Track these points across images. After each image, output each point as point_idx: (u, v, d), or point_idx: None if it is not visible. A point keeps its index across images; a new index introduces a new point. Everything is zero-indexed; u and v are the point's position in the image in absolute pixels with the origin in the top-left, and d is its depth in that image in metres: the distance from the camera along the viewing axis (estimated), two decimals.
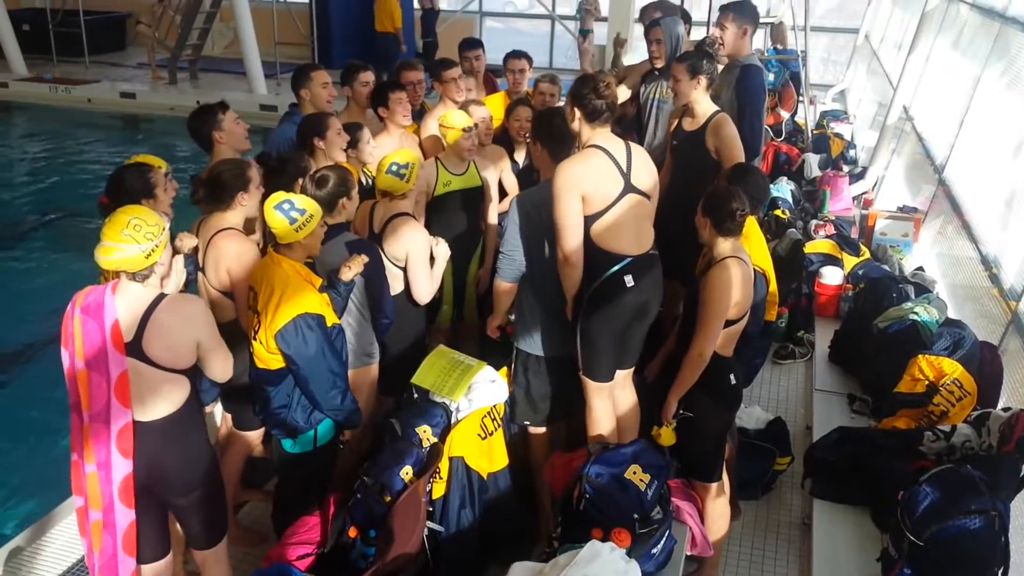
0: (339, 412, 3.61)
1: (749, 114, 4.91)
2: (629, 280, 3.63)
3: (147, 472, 3.12)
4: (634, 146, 3.77)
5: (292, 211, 3.42)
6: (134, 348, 2.99)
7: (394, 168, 4.10)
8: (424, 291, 4.21)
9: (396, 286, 4.21)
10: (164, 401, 3.10)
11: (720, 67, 4.91)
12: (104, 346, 2.97)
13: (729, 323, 3.62)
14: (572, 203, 3.55)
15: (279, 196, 3.45)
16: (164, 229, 3.02)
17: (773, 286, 4.49)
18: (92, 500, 3.13)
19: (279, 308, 3.39)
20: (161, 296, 3.04)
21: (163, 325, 3.00)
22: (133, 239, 2.91)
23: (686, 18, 5.73)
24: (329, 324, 3.53)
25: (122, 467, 3.06)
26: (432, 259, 4.27)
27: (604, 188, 3.59)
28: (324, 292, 3.57)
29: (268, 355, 3.50)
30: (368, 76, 5.27)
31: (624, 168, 3.63)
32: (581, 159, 3.65)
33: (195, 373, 3.20)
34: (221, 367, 3.25)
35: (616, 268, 3.64)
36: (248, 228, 3.92)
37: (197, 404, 3.28)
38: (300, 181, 3.99)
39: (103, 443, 3.05)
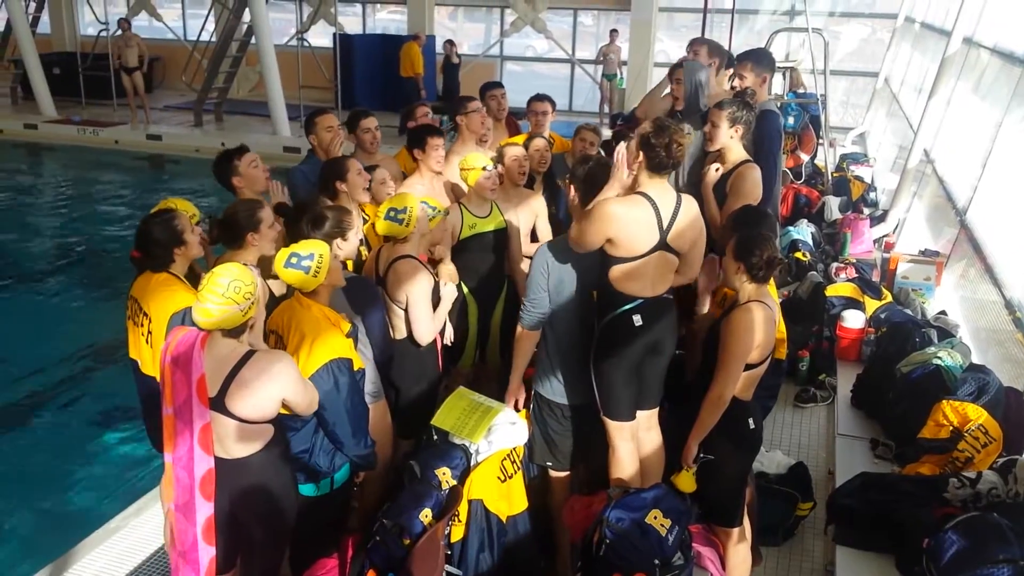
0: (362, 457, 3.60)
1: (764, 158, 4.95)
2: (637, 320, 3.65)
3: (228, 505, 3.19)
4: (686, 200, 3.74)
5: (302, 262, 3.40)
6: (217, 403, 3.06)
7: (392, 214, 4.06)
8: (424, 332, 4.16)
9: (402, 328, 4.22)
10: (245, 444, 3.17)
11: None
12: (190, 398, 3.05)
13: (750, 366, 3.60)
14: (596, 236, 3.58)
15: (283, 254, 3.43)
16: (257, 285, 3.08)
17: (781, 324, 4.47)
18: (175, 539, 3.23)
19: (312, 353, 3.39)
20: (250, 353, 3.10)
21: (247, 385, 3.06)
22: (234, 301, 2.98)
23: (730, 62, 5.75)
24: (356, 368, 3.54)
25: (205, 509, 3.14)
26: (438, 301, 4.24)
27: (638, 238, 3.60)
28: (350, 337, 3.57)
29: None
30: (371, 123, 5.38)
31: (666, 224, 3.62)
32: (626, 203, 3.63)
33: (279, 419, 3.26)
34: (304, 409, 3.31)
35: (626, 307, 3.66)
36: (265, 268, 3.92)
37: (282, 444, 3.32)
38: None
39: (186, 489, 3.13)
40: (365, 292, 3.95)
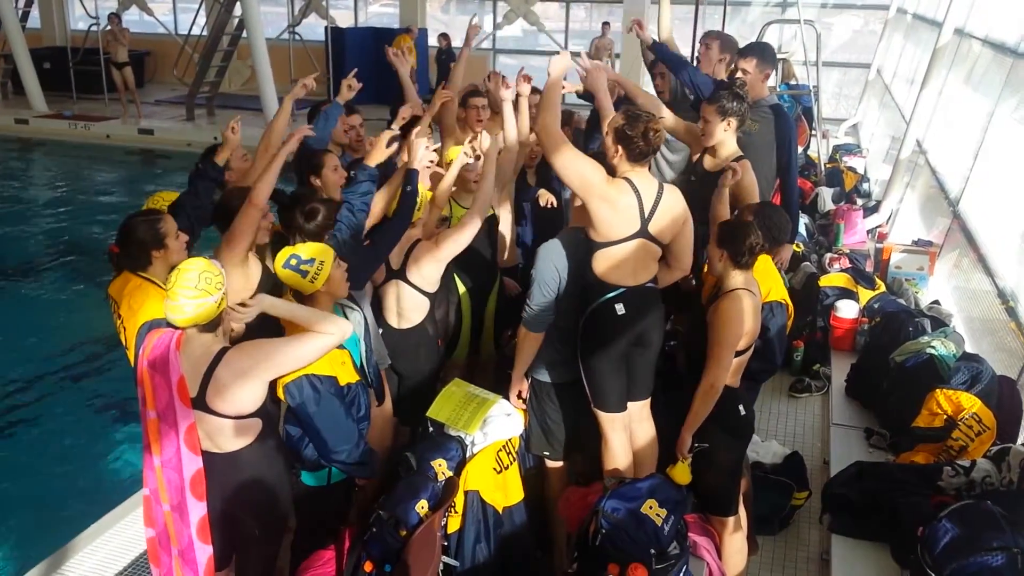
0: (345, 466, 3.45)
1: (789, 155, 4.96)
2: (620, 308, 3.64)
3: (221, 499, 3.17)
4: (668, 189, 3.73)
5: (300, 264, 3.30)
6: (199, 402, 3.05)
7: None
8: (487, 191, 4.27)
9: (416, 317, 4.21)
10: (235, 439, 3.14)
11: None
12: (171, 400, 3.04)
13: (737, 353, 3.63)
14: (575, 167, 3.58)
15: (284, 253, 3.34)
16: (223, 274, 3.06)
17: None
18: (170, 538, 3.22)
19: None
20: (224, 350, 3.06)
21: (223, 382, 3.03)
22: (207, 292, 2.96)
23: (732, 47, 5.65)
24: (343, 383, 3.41)
25: (198, 509, 3.13)
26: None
27: (618, 222, 3.60)
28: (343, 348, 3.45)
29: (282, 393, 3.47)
30: (355, 120, 5.32)
31: (647, 212, 3.62)
32: (613, 183, 3.61)
33: (267, 411, 3.22)
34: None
35: (608, 296, 3.65)
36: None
37: (272, 439, 3.29)
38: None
39: (177, 490, 3.11)
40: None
